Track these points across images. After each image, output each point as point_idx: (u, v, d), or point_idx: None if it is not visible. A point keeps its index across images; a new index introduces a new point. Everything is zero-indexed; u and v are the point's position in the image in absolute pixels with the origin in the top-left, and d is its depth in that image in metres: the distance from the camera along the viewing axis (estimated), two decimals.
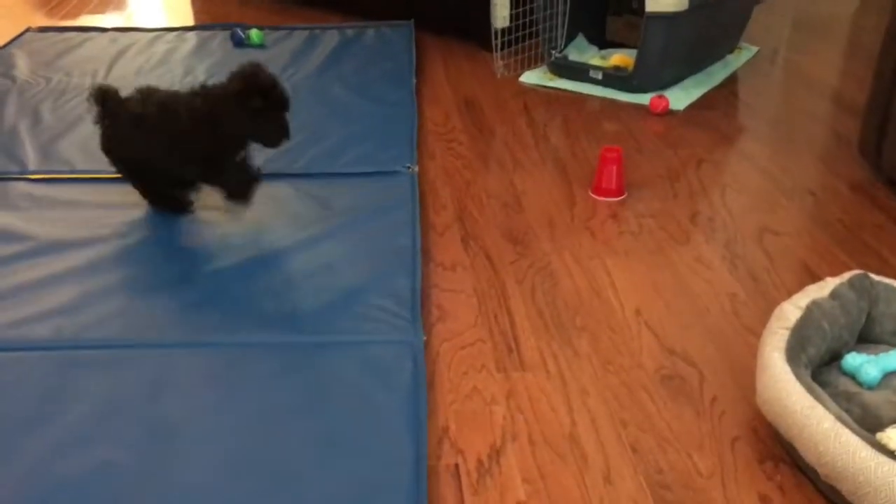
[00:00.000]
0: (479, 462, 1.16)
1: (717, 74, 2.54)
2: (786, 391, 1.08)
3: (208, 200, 1.79)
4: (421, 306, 1.47)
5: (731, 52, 2.69)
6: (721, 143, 2.15)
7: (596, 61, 2.55)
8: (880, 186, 1.89)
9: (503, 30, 2.51)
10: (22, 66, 2.56)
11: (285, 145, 1.66)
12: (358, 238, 1.68)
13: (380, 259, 1.60)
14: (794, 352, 1.13)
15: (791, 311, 1.19)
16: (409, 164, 1.97)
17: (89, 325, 1.42)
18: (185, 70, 2.55)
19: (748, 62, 2.69)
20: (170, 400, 1.25)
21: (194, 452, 1.15)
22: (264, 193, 1.80)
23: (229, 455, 1.15)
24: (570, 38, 2.62)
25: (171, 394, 1.26)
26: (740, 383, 1.30)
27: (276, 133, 1.63)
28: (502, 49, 2.53)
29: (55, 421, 1.21)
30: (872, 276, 1.28)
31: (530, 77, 2.53)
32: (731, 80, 2.56)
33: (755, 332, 1.41)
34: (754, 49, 2.76)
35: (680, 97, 2.36)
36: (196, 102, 1.62)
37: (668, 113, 2.30)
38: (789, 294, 1.32)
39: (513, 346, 1.40)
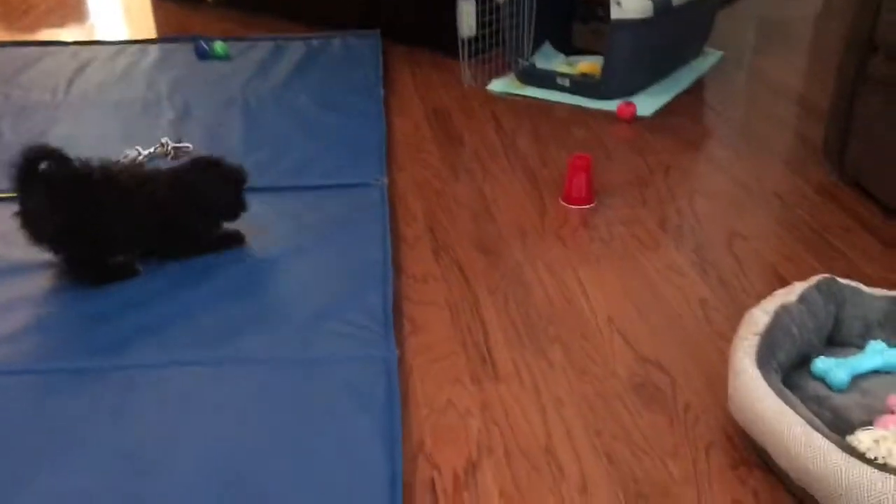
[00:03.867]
0: (456, 476, 1.15)
1: (683, 80, 2.56)
2: (757, 397, 1.08)
3: None
4: (393, 320, 1.46)
5: (696, 57, 2.71)
6: (688, 148, 2.17)
7: (563, 68, 2.56)
8: (845, 189, 1.92)
9: (470, 39, 2.51)
10: None
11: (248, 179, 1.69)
12: (328, 253, 1.66)
13: (351, 274, 1.59)
14: (765, 357, 1.14)
15: (760, 316, 1.20)
16: (378, 177, 1.96)
17: (52, 347, 1.39)
18: (147, 84, 2.52)
19: (713, 67, 2.71)
20: (139, 422, 1.23)
21: (165, 475, 1.13)
22: None
23: (201, 476, 1.13)
24: (536, 46, 2.63)
25: (140, 416, 1.24)
26: (713, 389, 1.30)
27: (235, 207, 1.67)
28: (470, 58, 2.53)
29: (23, 448, 1.18)
30: (839, 279, 1.30)
31: (498, 85, 2.54)
32: (698, 86, 2.58)
33: (726, 337, 1.41)
34: (719, 54, 2.79)
35: (647, 103, 2.37)
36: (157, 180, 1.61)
37: (636, 119, 2.32)
38: (759, 299, 1.33)
39: (486, 357, 1.40)
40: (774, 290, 1.33)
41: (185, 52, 2.78)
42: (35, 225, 1.50)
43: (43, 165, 1.48)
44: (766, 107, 2.45)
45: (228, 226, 1.70)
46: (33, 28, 3.23)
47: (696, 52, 2.72)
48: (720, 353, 1.38)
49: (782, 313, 1.20)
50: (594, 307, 1.52)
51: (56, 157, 1.49)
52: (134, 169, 1.65)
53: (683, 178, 2.01)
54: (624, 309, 1.52)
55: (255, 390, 1.29)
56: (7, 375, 1.33)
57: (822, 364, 1.18)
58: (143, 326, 1.44)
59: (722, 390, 1.24)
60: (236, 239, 1.70)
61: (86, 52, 2.79)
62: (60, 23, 3.31)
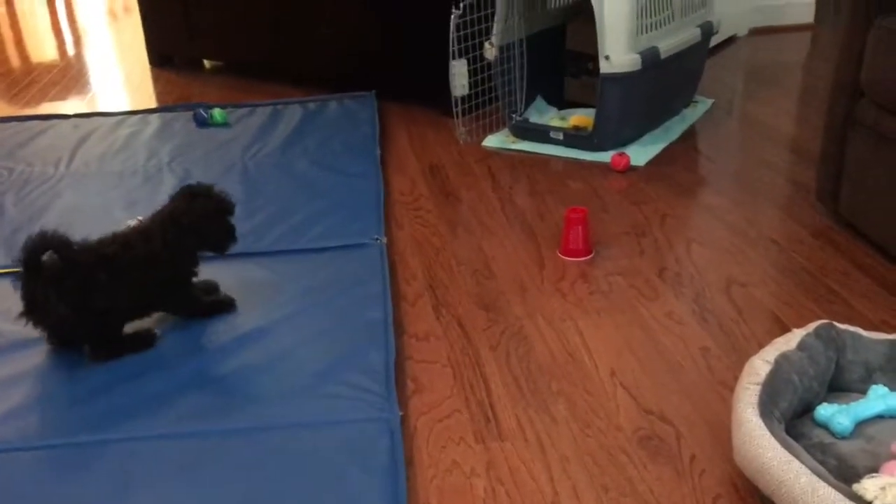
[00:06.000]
0: None
1: (674, 129, 2.60)
2: (762, 447, 1.08)
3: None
4: (395, 380, 1.46)
5: (687, 105, 2.76)
6: (683, 196, 2.19)
7: (556, 122, 2.60)
8: (840, 232, 1.93)
9: (463, 96, 2.56)
10: None
11: (233, 246, 1.70)
12: (329, 314, 1.67)
13: (351, 334, 1.60)
14: (767, 407, 1.14)
15: (760, 365, 1.20)
16: (377, 236, 1.98)
17: (49, 422, 1.39)
18: (148, 153, 2.56)
19: (704, 115, 2.75)
20: (139, 495, 1.22)
21: None
22: (231, 274, 1.79)
23: None
24: (529, 101, 2.67)
25: (139, 488, 1.23)
26: (718, 438, 1.30)
27: (224, 237, 1.67)
28: (464, 115, 2.58)
29: None
30: (837, 324, 1.30)
31: (493, 141, 2.57)
32: (689, 134, 2.62)
33: (729, 385, 1.42)
34: (709, 101, 2.84)
35: (640, 153, 2.40)
36: (148, 231, 1.62)
37: (630, 169, 2.35)
38: (760, 345, 1.33)
39: (490, 415, 1.40)
40: (775, 336, 1.33)
41: (184, 120, 2.83)
42: (40, 315, 1.53)
43: (45, 256, 1.49)
44: (758, 152, 2.48)
45: (221, 292, 1.73)
46: (36, 101, 3.30)
47: (687, 101, 2.76)
48: (723, 402, 1.38)
49: (782, 361, 1.20)
50: (596, 360, 1.53)
51: (56, 245, 1.49)
52: (123, 234, 1.62)
53: (680, 227, 2.03)
54: (626, 361, 1.52)
55: (255, 459, 1.28)
56: (8, 453, 1.32)
57: (824, 411, 1.17)
58: (138, 399, 1.44)
59: (726, 439, 1.23)
60: (228, 304, 1.71)
61: (87, 123, 2.84)
62: (62, 95, 3.38)
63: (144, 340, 1.60)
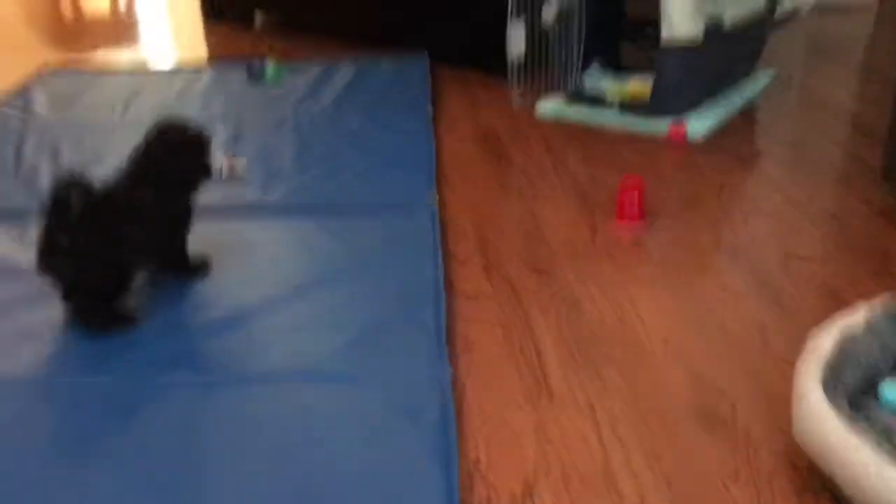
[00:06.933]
0: (513, 498, 1.14)
1: (733, 100, 2.53)
2: (824, 425, 1.06)
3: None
4: (446, 338, 1.45)
5: (747, 77, 2.68)
6: (741, 168, 2.14)
7: (612, 89, 2.55)
8: None
9: (519, 60, 2.52)
10: (40, 103, 2.58)
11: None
12: (380, 270, 1.67)
13: (402, 291, 1.59)
14: (831, 383, 1.11)
15: (825, 340, 1.17)
16: (428, 196, 1.96)
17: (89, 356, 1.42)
18: (202, 105, 2.56)
19: (764, 87, 2.68)
20: (202, 438, 1.24)
21: (225, 492, 1.14)
22: (283, 228, 1.79)
23: (259, 490, 1.13)
24: (584, 66, 2.63)
25: (203, 433, 1.25)
26: (774, 413, 1.27)
27: (197, 171, 1.60)
28: (518, 79, 2.54)
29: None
30: None
31: (547, 106, 2.53)
32: (748, 106, 2.56)
33: (787, 361, 1.38)
34: (770, 73, 2.76)
35: (698, 124, 2.35)
36: (133, 176, 1.53)
37: (687, 140, 2.30)
38: (818, 321, 1.30)
39: (540, 377, 1.39)
40: (833, 312, 1.30)
41: (237, 74, 2.83)
42: (50, 257, 1.43)
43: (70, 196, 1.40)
44: (819, 127, 2.41)
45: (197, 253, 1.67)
46: (88, 51, 3.32)
47: (748, 73, 2.69)
48: (781, 377, 1.35)
49: (848, 337, 1.17)
50: (649, 329, 1.50)
51: (78, 186, 1.41)
52: (117, 178, 1.53)
53: (737, 198, 1.98)
54: (679, 331, 1.49)
55: (308, 408, 1.29)
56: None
57: (889, 390, 1.14)
58: (211, 345, 1.46)
59: (784, 415, 1.20)
60: (203, 266, 1.66)
61: (140, 76, 2.86)
62: (116, 48, 3.40)
63: (128, 320, 1.50)
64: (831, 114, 2.51)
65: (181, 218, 1.62)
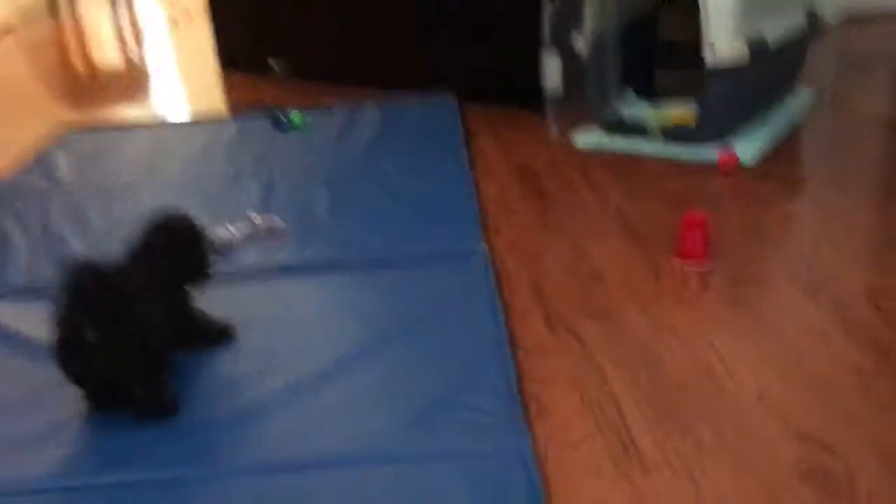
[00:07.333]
0: None
1: (778, 122, 2.43)
2: None
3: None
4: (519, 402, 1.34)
5: (789, 95, 2.58)
6: (800, 195, 2.04)
7: (651, 117, 2.45)
8: None
9: (555, 91, 2.42)
10: (63, 167, 2.50)
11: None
12: (435, 331, 1.55)
13: (464, 353, 1.48)
14: None
15: None
16: (476, 243, 1.86)
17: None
18: (227, 159, 2.48)
19: (808, 105, 2.58)
20: None
21: None
22: (320, 288, 1.69)
23: None
24: (619, 94, 2.53)
25: None
26: (892, 470, 1.16)
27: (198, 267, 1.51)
28: (553, 111, 2.45)
29: None
30: None
31: (586, 138, 2.44)
32: (794, 127, 2.45)
33: (892, 409, 1.27)
34: (812, 91, 2.66)
35: (746, 149, 2.24)
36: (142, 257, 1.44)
37: (738, 167, 2.19)
38: None
39: (626, 440, 1.27)
40: None
41: (261, 125, 2.74)
42: (79, 354, 1.31)
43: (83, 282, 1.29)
44: (868, 144, 2.31)
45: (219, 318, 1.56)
46: (106, 107, 3.25)
47: (790, 90, 2.59)
48: (889, 428, 1.23)
49: None
50: (736, 380, 1.39)
51: (89, 273, 1.30)
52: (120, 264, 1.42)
53: (802, 228, 1.87)
54: (770, 381, 1.38)
55: (377, 496, 1.18)
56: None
57: None
58: (235, 437, 1.33)
59: None
60: (226, 333, 1.55)
61: (163, 131, 2.78)
62: (132, 102, 3.33)
63: (173, 404, 1.37)
64: (873, 129, 2.40)
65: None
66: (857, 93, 2.72)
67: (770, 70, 2.34)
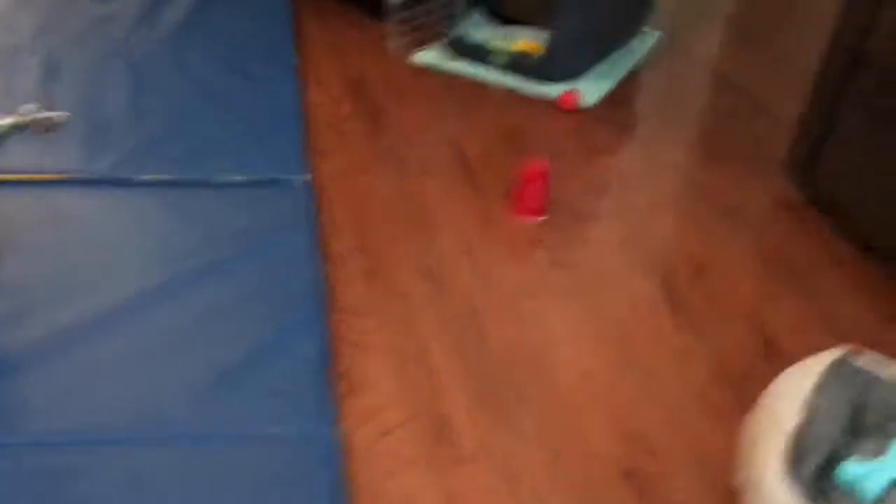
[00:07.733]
0: None
1: (622, 63, 2.34)
2: None
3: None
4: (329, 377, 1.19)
5: (635, 37, 2.50)
6: (640, 148, 1.98)
7: (498, 43, 2.28)
8: (810, 207, 1.77)
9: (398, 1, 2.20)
10: None
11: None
12: (241, 277, 1.36)
13: (272, 308, 1.30)
14: (795, 467, 0.96)
15: (783, 412, 1.02)
16: (298, 170, 1.65)
17: None
18: (5, 27, 2.06)
19: (652, 49, 2.51)
20: None
21: None
22: (104, 206, 1.43)
23: None
24: (466, 14, 2.34)
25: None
26: (705, 473, 1.13)
27: None
28: (395, 21, 2.22)
29: None
30: (852, 359, 1.13)
31: (427, 56, 2.24)
32: (637, 71, 2.38)
33: (709, 399, 1.24)
34: (657, 34, 2.59)
35: (589, 91, 2.14)
36: None
37: (577, 108, 2.09)
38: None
39: (443, 427, 1.16)
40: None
41: None
42: None
43: None
44: (709, 97, 2.28)
45: None
46: None
47: (636, 31, 2.50)
48: (708, 423, 1.20)
49: (808, 411, 1.02)
50: (563, 357, 1.31)
51: None
52: None
53: (640, 187, 1.81)
54: (597, 361, 1.31)
55: (142, 478, 1.00)
56: None
57: (852, 471, 1.01)
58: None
59: (716, 474, 1.06)
60: None
61: None
62: None
63: None
64: (717, 80, 2.38)
65: None
66: (703, 39, 2.69)
67: (620, 8, 2.24)
